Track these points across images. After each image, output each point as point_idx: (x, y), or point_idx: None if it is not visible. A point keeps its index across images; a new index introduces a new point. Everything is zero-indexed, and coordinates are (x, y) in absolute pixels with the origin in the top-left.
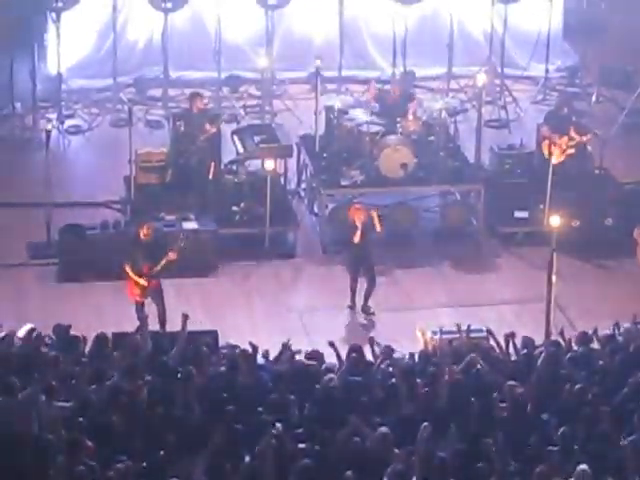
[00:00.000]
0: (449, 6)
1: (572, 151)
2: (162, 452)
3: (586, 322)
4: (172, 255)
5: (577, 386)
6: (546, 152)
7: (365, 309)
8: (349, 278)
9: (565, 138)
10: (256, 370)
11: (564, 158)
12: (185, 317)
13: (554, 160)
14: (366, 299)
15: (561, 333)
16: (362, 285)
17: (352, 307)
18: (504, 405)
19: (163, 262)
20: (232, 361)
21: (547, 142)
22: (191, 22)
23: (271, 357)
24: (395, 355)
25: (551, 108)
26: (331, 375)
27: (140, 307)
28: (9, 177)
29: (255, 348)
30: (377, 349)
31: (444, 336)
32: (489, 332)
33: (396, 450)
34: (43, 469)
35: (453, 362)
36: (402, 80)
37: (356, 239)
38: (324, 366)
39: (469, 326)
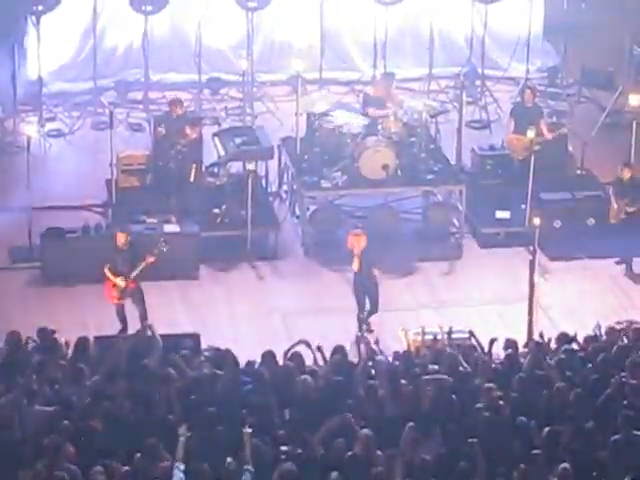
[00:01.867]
0: (429, 7)
1: (537, 148)
2: (143, 455)
3: (569, 322)
4: (150, 258)
5: (559, 387)
6: (510, 148)
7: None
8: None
9: (531, 134)
10: (238, 373)
11: (529, 154)
12: (150, 326)
13: (517, 156)
14: (367, 318)
15: (540, 336)
16: None
17: (360, 337)
18: (484, 406)
19: (142, 266)
20: (215, 363)
21: (511, 138)
22: (171, 25)
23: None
24: (378, 357)
25: (517, 99)
26: (312, 377)
27: (120, 309)
28: None
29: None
30: (363, 348)
31: (426, 337)
32: (471, 333)
33: (379, 452)
34: (25, 473)
35: (434, 363)
36: (383, 81)
37: (355, 266)
38: (306, 368)
39: (450, 328)
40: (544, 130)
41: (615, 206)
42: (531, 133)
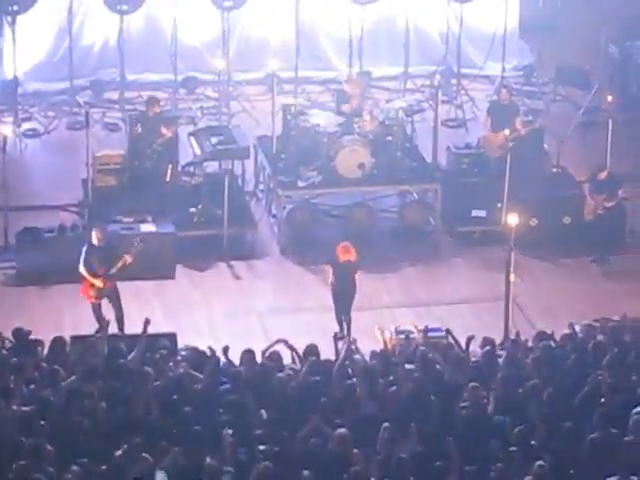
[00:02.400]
0: (405, 6)
1: (510, 144)
2: (121, 453)
3: (545, 321)
4: (128, 258)
5: (535, 385)
6: (485, 146)
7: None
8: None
9: (505, 132)
10: (216, 372)
11: (504, 152)
12: (147, 322)
13: (492, 154)
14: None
15: (517, 334)
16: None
17: (340, 336)
18: (464, 405)
19: (119, 265)
20: (192, 363)
21: (487, 136)
22: (147, 24)
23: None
24: (356, 356)
25: (494, 98)
26: (289, 376)
27: (97, 308)
28: None
29: (214, 352)
30: (342, 346)
31: (402, 335)
32: (448, 332)
33: (355, 450)
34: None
35: (410, 362)
36: (358, 79)
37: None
38: (284, 367)
39: (426, 326)
40: (518, 126)
41: (591, 202)
42: (506, 131)
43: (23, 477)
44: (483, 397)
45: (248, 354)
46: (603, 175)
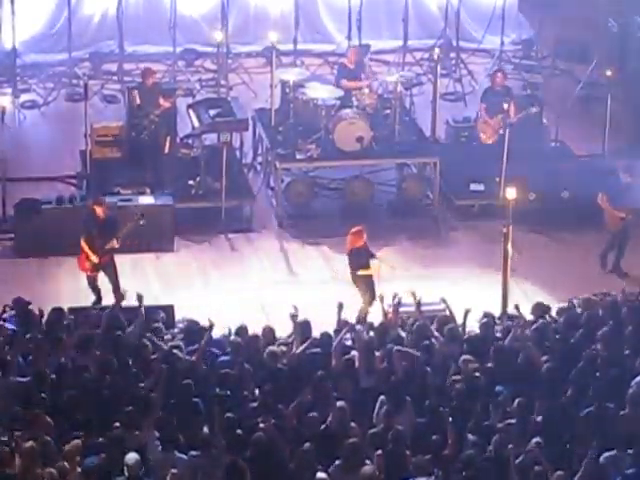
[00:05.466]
0: None
1: (502, 132)
2: (118, 425)
3: (543, 294)
4: (115, 243)
5: (533, 358)
6: (480, 132)
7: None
8: (364, 302)
9: (498, 117)
10: (211, 344)
11: (496, 138)
12: (140, 297)
13: (487, 140)
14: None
15: (515, 308)
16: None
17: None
18: (460, 378)
19: (108, 246)
20: (189, 335)
21: (480, 121)
22: None
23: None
24: (358, 327)
25: (488, 85)
26: (286, 348)
27: (92, 280)
28: None
29: (212, 324)
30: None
31: (402, 308)
32: (443, 301)
33: (353, 424)
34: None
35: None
36: (358, 52)
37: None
38: (279, 341)
39: (420, 298)
40: (511, 112)
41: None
42: (499, 116)
43: (20, 446)
44: (475, 370)
45: (243, 330)
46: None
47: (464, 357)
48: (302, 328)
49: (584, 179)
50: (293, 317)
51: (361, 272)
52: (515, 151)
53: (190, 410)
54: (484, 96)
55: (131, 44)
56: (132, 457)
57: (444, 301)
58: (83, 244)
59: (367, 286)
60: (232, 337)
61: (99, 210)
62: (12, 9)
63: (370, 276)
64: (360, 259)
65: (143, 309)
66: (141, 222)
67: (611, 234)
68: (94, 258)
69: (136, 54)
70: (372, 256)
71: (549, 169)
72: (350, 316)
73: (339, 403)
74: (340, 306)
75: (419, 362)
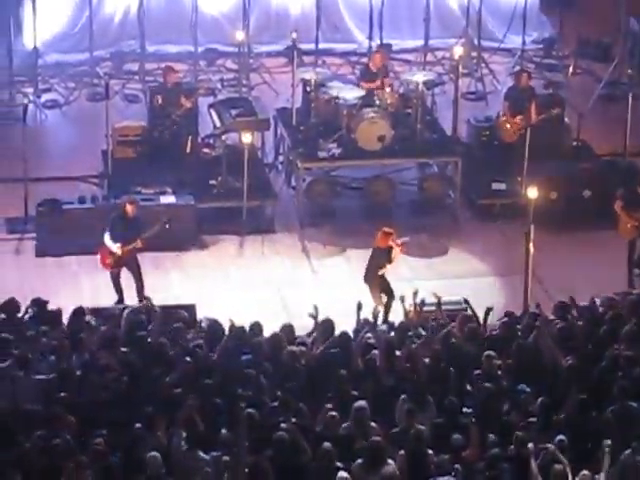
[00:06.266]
0: None
1: (522, 131)
2: (140, 425)
3: (564, 294)
4: (139, 243)
5: (555, 357)
6: (502, 131)
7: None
8: (374, 299)
9: (519, 117)
10: (233, 344)
11: (517, 137)
12: (148, 299)
13: (508, 139)
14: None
15: (537, 306)
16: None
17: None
18: (482, 375)
19: (131, 245)
20: (210, 334)
21: (501, 120)
22: None
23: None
24: (379, 327)
25: (512, 83)
26: (307, 349)
27: (116, 277)
28: None
29: (234, 324)
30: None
31: (424, 307)
32: (466, 302)
33: (373, 424)
34: (22, 444)
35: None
36: (381, 53)
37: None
38: (299, 339)
39: (440, 298)
40: (532, 114)
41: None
42: (518, 118)
43: (40, 445)
44: (498, 367)
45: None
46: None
47: (487, 353)
48: (324, 327)
49: (605, 179)
50: (312, 316)
51: (376, 271)
52: (537, 150)
53: (212, 410)
54: (507, 95)
55: (152, 44)
56: (154, 456)
57: (466, 301)
58: (106, 238)
59: (379, 287)
60: (253, 336)
61: (130, 209)
62: (34, 9)
63: (384, 277)
64: (379, 259)
65: (160, 309)
66: (167, 226)
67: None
68: (118, 251)
69: (157, 53)
70: (390, 261)
71: (571, 168)
72: (370, 316)
73: (360, 403)
74: (359, 306)
75: (441, 360)
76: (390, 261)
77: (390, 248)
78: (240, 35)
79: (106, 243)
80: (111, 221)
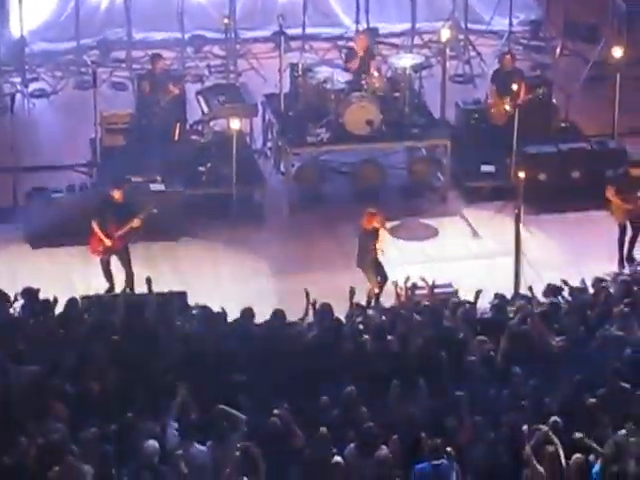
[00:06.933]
0: None
1: (512, 112)
2: (131, 414)
3: (554, 275)
4: (136, 222)
5: (545, 339)
6: (489, 113)
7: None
8: (370, 281)
9: (507, 99)
10: (225, 330)
11: (505, 119)
12: (149, 280)
13: (497, 121)
14: (379, 296)
15: (529, 289)
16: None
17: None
18: (474, 359)
19: (126, 228)
20: (202, 321)
21: (490, 103)
22: None
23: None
24: (370, 311)
25: (497, 66)
26: (299, 333)
27: (106, 265)
28: None
29: (225, 311)
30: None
31: (416, 291)
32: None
33: (364, 409)
34: (13, 435)
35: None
36: (366, 36)
37: (380, 244)
38: (292, 326)
39: (434, 282)
40: (521, 94)
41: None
42: (506, 105)
43: (34, 435)
44: (490, 350)
45: (248, 312)
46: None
47: (479, 338)
48: (322, 311)
49: (594, 160)
50: (308, 296)
51: (367, 254)
52: (525, 132)
53: (206, 396)
54: (494, 77)
55: (139, 31)
56: (150, 445)
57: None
58: (95, 227)
59: (374, 269)
60: (245, 321)
61: (117, 194)
62: None
63: (376, 259)
64: (366, 242)
65: (154, 294)
66: (154, 210)
67: (619, 226)
68: (107, 242)
69: (144, 41)
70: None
71: (559, 150)
72: (363, 301)
73: (350, 387)
74: (352, 291)
75: (433, 344)
76: (378, 242)
77: (377, 229)
78: (227, 21)
79: (96, 230)
80: (100, 210)
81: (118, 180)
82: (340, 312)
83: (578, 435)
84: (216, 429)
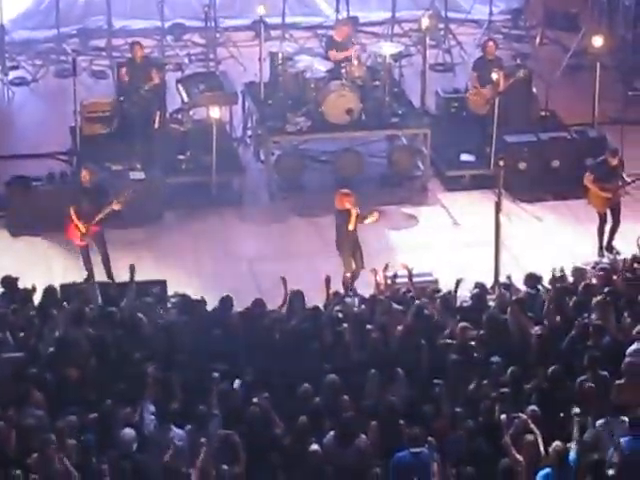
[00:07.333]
0: None
1: (493, 100)
2: (111, 401)
3: (534, 264)
4: (116, 205)
5: (524, 328)
6: (471, 102)
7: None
8: (345, 265)
9: (488, 87)
10: (205, 319)
11: (487, 108)
12: (132, 268)
13: (478, 110)
14: (353, 281)
15: (508, 278)
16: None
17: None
18: (454, 347)
19: (106, 211)
20: (181, 310)
21: (471, 91)
22: None
23: None
24: (347, 299)
25: (480, 54)
26: (278, 322)
27: (85, 253)
28: None
29: (204, 299)
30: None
31: (395, 280)
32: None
33: (345, 397)
34: None
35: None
36: (346, 24)
37: (351, 226)
38: (271, 314)
39: (411, 270)
40: (501, 82)
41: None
42: (487, 92)
43: (13, 423)
44: (471, 338)
45: (228, 300)
46: (614, 161)
47: (461, 324)
48: (295, 297)
49: (574, 148)
50: (285, 283)
51: (342, 236)
52: (505, 121)
53: (186, 384)
54: (476, 66)
55: (119, 19)
56: (127, 433)
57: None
58: (72, 213)
59: (350, 252)
60: (224, 310)
61: (84, 174)
62: None
63: (354, 243)
64: (339, 223)
65: (135, 282)
66: (132, 192)
67: (599, 215)
68: (82, 228)
69: (124, 29)
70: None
71: (539, 139)
72: (340, 288)
73: (330, 376)
74: (327, 280)
75: (412, 332)
76: (350, 222)
77: (348, 210)
78: (207, 9)
79: (72, 217)
80: (76, 196)
81: (86, 164)
82: (319, 300)
83: (576, 410)
84: (195, 415)
